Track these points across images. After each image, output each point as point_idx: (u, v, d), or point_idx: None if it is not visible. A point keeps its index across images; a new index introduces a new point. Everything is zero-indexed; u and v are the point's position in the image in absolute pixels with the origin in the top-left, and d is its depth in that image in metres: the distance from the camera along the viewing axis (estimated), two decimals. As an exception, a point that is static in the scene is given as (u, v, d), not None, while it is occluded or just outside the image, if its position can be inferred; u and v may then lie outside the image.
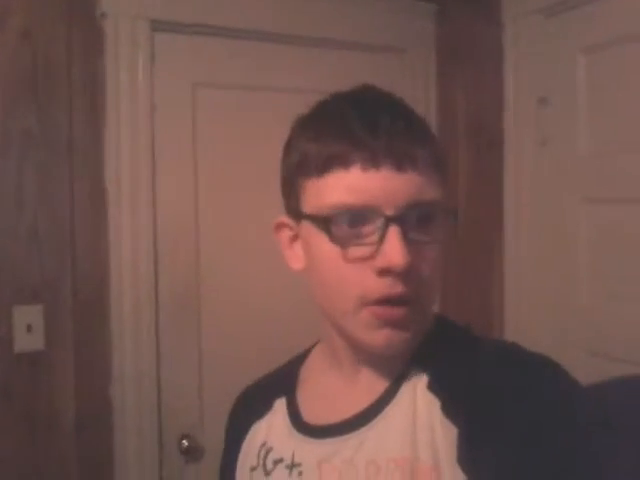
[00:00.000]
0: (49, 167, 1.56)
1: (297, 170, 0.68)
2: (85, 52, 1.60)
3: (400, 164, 0.62)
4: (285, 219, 0.72)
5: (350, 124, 0.63)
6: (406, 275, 0.61)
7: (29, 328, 1.52)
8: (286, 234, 0.72)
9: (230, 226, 1.72)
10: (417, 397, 0.65)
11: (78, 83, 1.59)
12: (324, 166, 0.64)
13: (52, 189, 1.57)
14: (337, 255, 0.63)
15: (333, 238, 0.63)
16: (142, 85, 1.63)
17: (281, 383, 0.79)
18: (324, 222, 0.64)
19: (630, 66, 1.47)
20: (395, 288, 0.62)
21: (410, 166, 0.62)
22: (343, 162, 0.62)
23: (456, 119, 1.97)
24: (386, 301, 0.62)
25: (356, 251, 0.63)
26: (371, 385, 0.69)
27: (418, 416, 0.63)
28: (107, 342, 1.60)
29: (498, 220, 1.77)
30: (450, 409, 0.62)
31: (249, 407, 0.81)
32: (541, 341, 1.59)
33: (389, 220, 0.61)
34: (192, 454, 1.63)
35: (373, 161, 0.62)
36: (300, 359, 0.81)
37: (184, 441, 1.65)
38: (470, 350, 0.67)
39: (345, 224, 0.63)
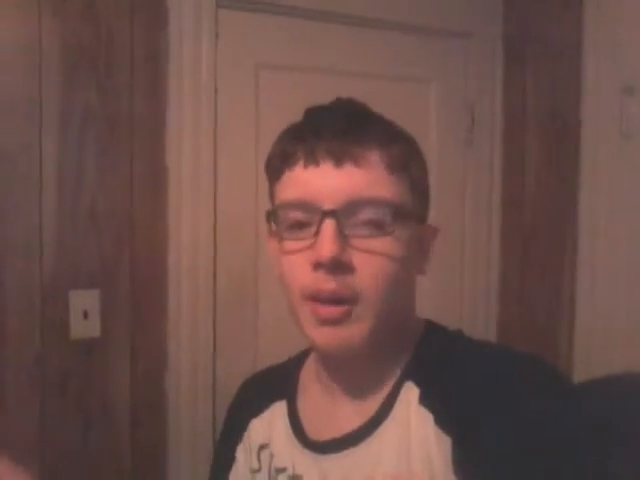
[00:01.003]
0: (109, 146, 1.51)
1: (268, 179, 0.71)
2: (148, 26, 1.54)
3: (341, 161, 0.62)
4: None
5: (300, 127, 0.67)
6: (337, 270, 0.61)
7: (85, 314, 1.48)
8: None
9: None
10: (411, 412, 0.65)
11: (140, 58, 1.53)
12: (278, 170, 0.67)
13: (112, 169, 1.51)
14: (280, 250, 0.66)
15: (273, 233, 0.66)
16: (205, 62, 1.58)
17: (280, 385, 0.78)
18: (268, 218, 0.67)
19: None
20: (327, 284, 0.61)
21: (352, 164, 0.62)
22: (290, 162, 0.65)
23: (525, 106, 1.87)
24: (321, 299, 0.62)
25: (295, 245, 0.64)
26: (364, 402, 0.68)
27: (413, 431, 0.63)
28: (163, 330, 1.55)
29: (572, 217, 1.67)
30: (443, 421, 0.61)
31: (247, 401, 0.82)
32: (617, 348, 1.49)
33: (325, 214, 0.61)
34: (247, 448, 1.57)
35: (313, 157, 0.63)
36: (299, 361, 0.80)
37: (239, 434, 1.60)
38: (461, 357, 0.66)
39: (287, 219, 0.64)
